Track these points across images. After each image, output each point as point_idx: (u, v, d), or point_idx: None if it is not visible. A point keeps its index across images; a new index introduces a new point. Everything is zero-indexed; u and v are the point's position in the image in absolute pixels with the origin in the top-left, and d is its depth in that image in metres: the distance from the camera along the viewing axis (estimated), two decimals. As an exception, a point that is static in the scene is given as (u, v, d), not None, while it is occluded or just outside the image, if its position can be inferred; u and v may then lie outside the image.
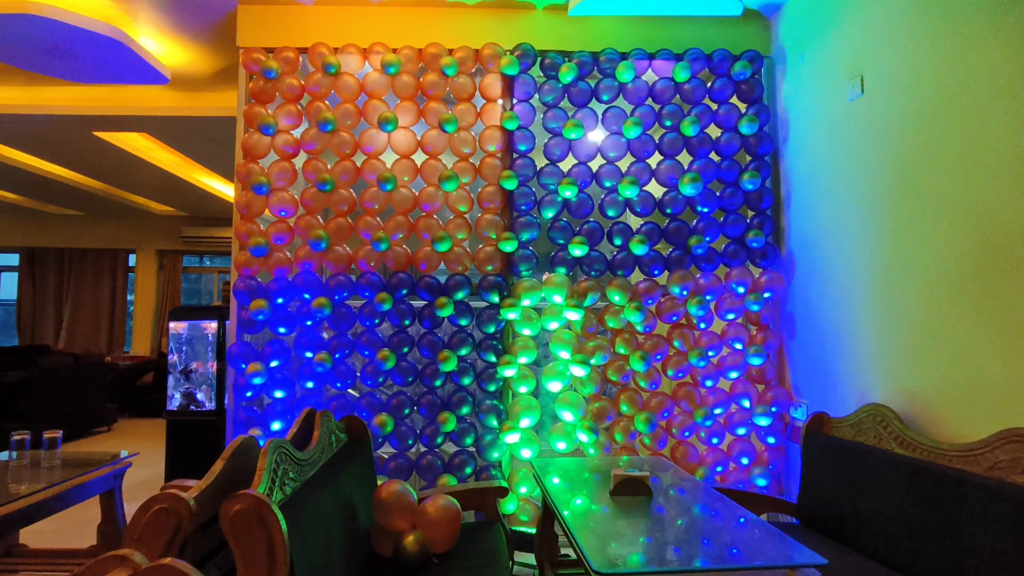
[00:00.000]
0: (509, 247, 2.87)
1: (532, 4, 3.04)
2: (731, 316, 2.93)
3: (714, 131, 3.05)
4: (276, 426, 2.77)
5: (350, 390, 2.91)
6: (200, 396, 3.80)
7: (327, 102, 2.96)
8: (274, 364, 2.81)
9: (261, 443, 2.60)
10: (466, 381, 2.87)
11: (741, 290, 2.92)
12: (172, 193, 6.70)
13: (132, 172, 5.75)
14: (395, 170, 2.92)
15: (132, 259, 8.52)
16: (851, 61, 2.50)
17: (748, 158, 3.07)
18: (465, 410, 2.86)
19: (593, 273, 2.94)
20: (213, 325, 3.81)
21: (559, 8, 3.04)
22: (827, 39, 2.67)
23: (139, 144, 5.02)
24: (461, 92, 2.96)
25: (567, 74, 2.94)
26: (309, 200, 2.88)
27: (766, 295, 2.91)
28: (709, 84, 3.04)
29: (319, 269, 2.95)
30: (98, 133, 4.62)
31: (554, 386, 2.84)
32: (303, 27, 3.01)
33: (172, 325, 3.84)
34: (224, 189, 6.55)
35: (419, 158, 3.00)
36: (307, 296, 2.82)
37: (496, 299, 2.89)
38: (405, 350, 2.87)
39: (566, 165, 3.04)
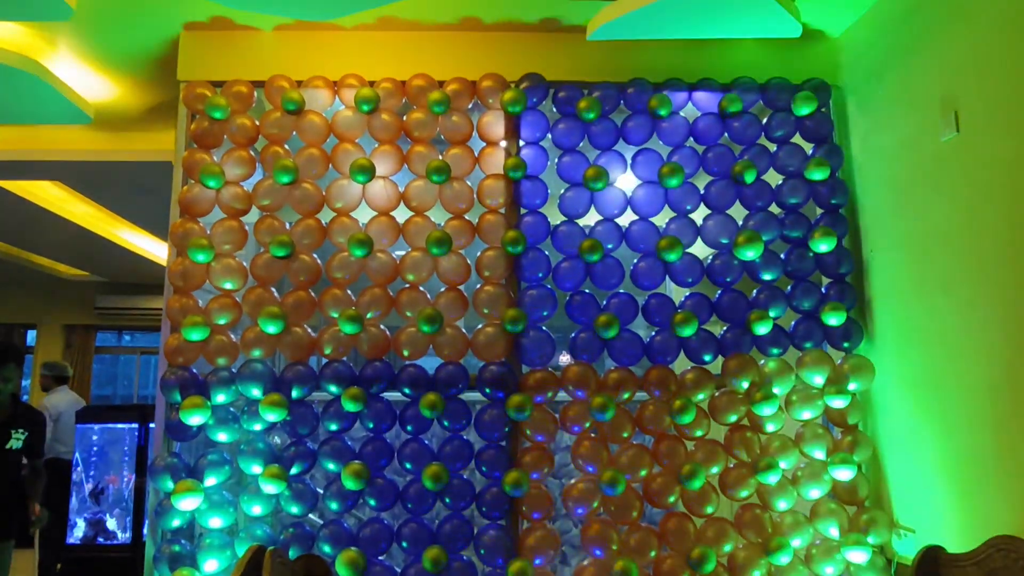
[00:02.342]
0: (516, 328, 2.92)
1: (542, 25, 3.21)
2: (807, 415, 2.94)
3: (774, 177, 3.16)
4: (212, 566, 2.76)
5: (311, 515, 2.88)
6: (112, 524, 3.80)
7: (287, 147, 3.08)
8: (211, 482, 2.81)
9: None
10: (463, 505, 2.86)
11: (819, 381, 2.94)
12: (86, 253, 6.87)
13: (37, 228, 5.93)
14: (371, 231, 3.00)
15: (31, 336, 8.66)
16: (942, 91, 2.61)
17: (819, 211, 3.14)
18: (462, 544, 2.83)
19: (625, 360, 2.96)
20: (133, 429, 3.85)
21: (575, 30, 3.19)
22: (911, 62, 2.80)
23: (48, 195, 5.21)
24: (454, 133, 3.09)
25: (587, 110, 3.06)
26: (262, 269, 2.95)
27: (852, 387, 2.92)
28: (765, 120, 3.17)
29: (272, 357, 2.99)
30: (-1, 182, 4.83)
31: (579, 512, 2.82)
32: (259, 57, 3.18)
33: (79, 429, 3.89)
34: (153, 249, 6.71)
35: (402, 215, 3.07)
36: (256, 392, 2.86)
37: (501, 395, 2.90)
38: (382, 462, 2.87)
39: (588, 223, 3.13)
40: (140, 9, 3.03)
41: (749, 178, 3.05)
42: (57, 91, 3.32)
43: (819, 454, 2.92)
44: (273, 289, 3.00)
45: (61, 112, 3.52)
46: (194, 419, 2.80)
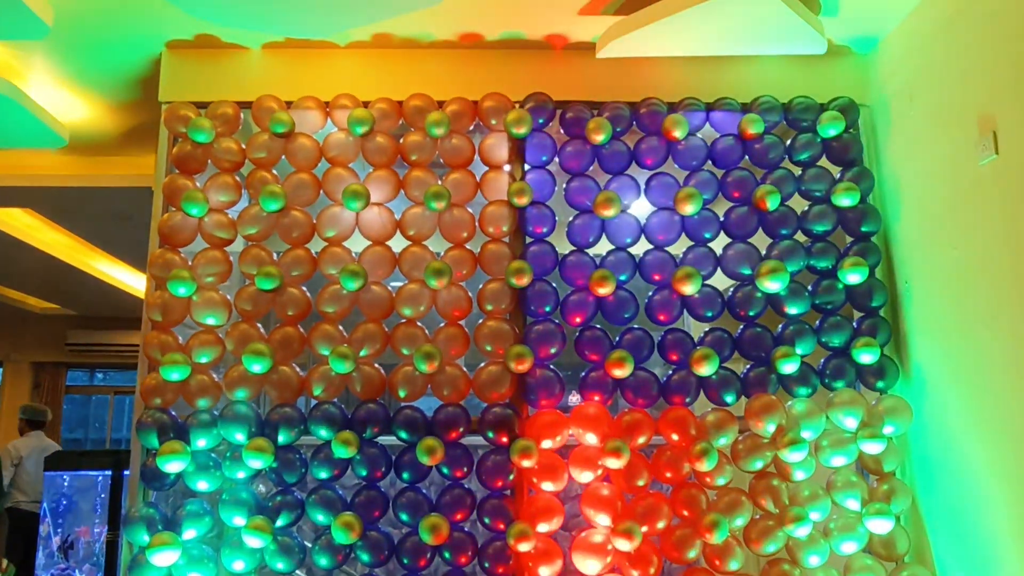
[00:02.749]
0: (522, 365, 2.88)
1: (548, 41, 3.22)
2: (839, 461, 2.88)
3: (799, 203, 3.14)
4: (188, 630, 2.68)
5: (298, 571, 2.82)
6: (80, 582, 3.71)
7: (275, 172, 3.07)
8: (190, 534, 2.76)
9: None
10: (463, 560, 2.79)
11: (851, 423, 2.89)
12: (58, 285, 6.86)
13: (5, 258, 5.92)
14: (365, 261, 2.98)
15: (-3, 374, 8.60)
16: (979, 110, 2.60)
17: (848, 239, 3.13)
18: (461, 603, 2.76)
19: (640, 402, 2.92)
20: (105, 476, 3.77)
21: (584, 47, 3.20)
22: (946, 80, 2.80)
23: (19, 223, 5.20)
24: (455, 157, 3.07)
25: (596, 131, 3.05)
26: (247, 302, 2.93)
27: (887, 430, 2.88)
28: (788, 142, 3.16)
29: (257, 398, 2.95)
30: (-35, 210, 4.81)
31: (591, 568, 2.76)
32: (246, 76, 3.19)
33: (47, 477, 3.81)
34: (130, 280, 6.70)
35: (398, 244, 3.06)
36: (239, 436, 2.82)
37: (505, 439, 2.87)
38: (376, 514, 2.82)
39: (598, 252, 3.11)
40: (120, 26, 3.04)
41: (772, 204, 3.03)
42: (29, 112, 3.33)
43: (853, 504, 2.86)
44: (259, 324, 2.97)
45: (34, 135, 3.53)
46: (172, 466, 2.75)
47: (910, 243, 3.04)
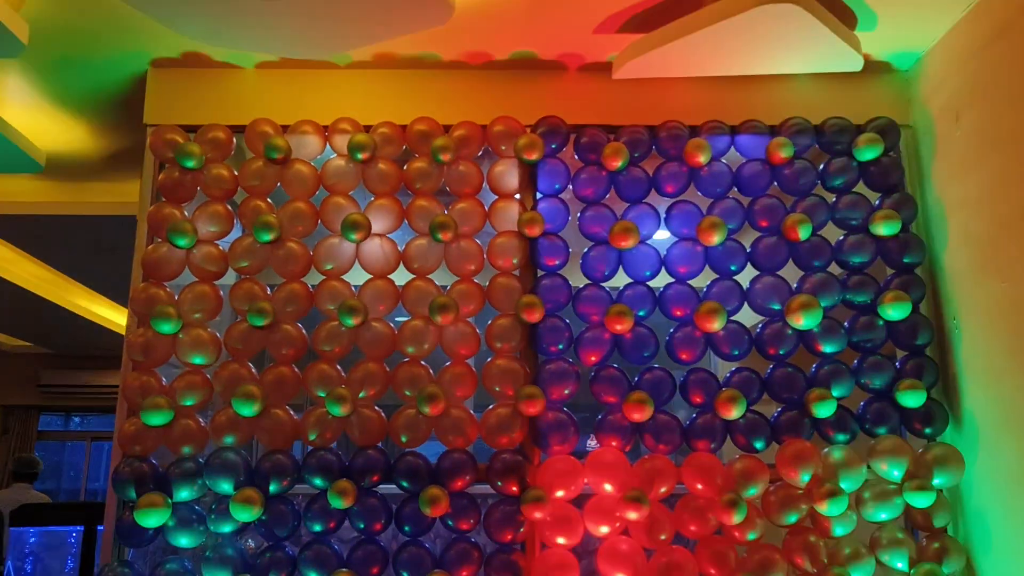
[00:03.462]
0: (533, 407, 2.89)
1: (561, 62, 3.28)
2: (883, 516, 2.87)
3: (833, 232, 3.17)
4: None
5: (287, 637, 2.81)
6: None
7: (269, 200, 3.12)
8: (170, 596, 2.76)
9: None
10: (469, 623, 2.79)
11: (896, 474, 2.88)
12: (31, 321, 6.90)
13: (-27, 292, 5.96)
14: (365, 296, 3.01)
15: (-38, 420, 8.64)
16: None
17: (888, 271, 3.14)
18: (467, 671, 2.76)
19: (661, 447, 2.92)
20: (78, 532, 3.76)
21: (599, 68, 3.26)
22: (995, 98, 2.81)
23: (-9, 255, 5.27)
24: (462, 185, 3.13)
25: (614, 157, 3.10)
26: (237, 340, 2.96)
27: (936, 482, 2.84)
28: (821, 166, 3.20)
29: (247, 444, 2.96)
30: (-68, 242, 4.89)
31: (607, 631, 2.75)
32: (239, 98, 3.25)
33: (13, 533, 3.81)
34: (110, 316, 6.74)
35: (401, 278, 3.08)
36: (226, 487, 2.82)
37: (515, 488, 2.87)
38: (374, 571, 2.81)
39: (615, 285, 3.13)
40: (101, 43, 3.09)
41: (804, 233, 3.06)
42: (2, 135, 3.39)
43: (900, 564, 2.83)
44: (250, 364, 2.99)
45: (7, 159, 3.60)
46: (151, 520, 2.75)
47: (957, 276, 3.04)
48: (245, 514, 2.76)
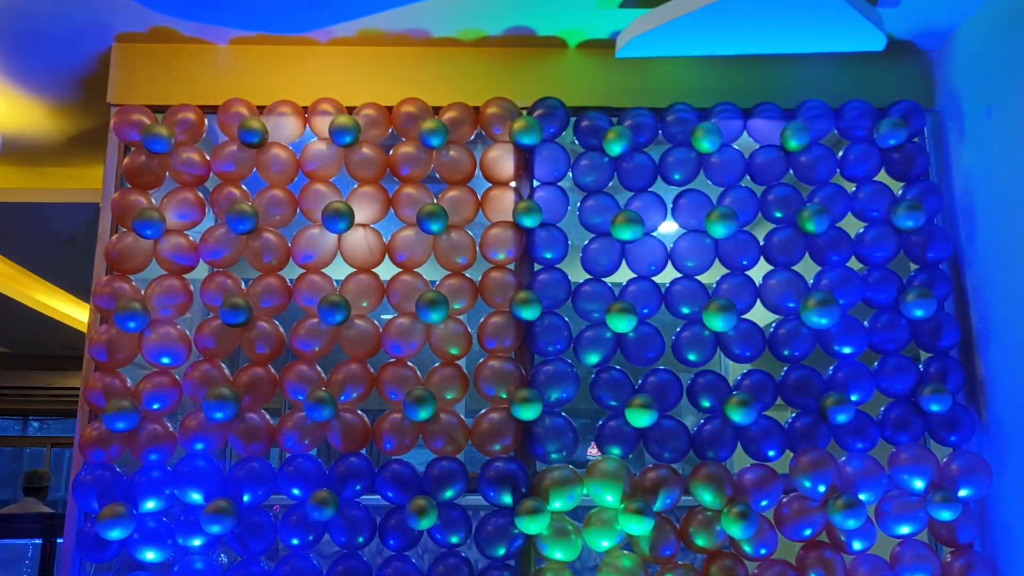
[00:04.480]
0: (529, 413, 2.82)
1: (560, 39, 3.19)
2: (905, 529, 2.82)
3: (853, 225, 3.10)
4: None
5: (262, 658, 2.75)
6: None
7: (244, 187, 3.05)
8: (135, 615, 2.70)
9: None
10: (458, 645, 2.73)
11: (919, 484, 2.82)
12: (-16, 318, 6.85)
13: (-80, 287, 5.91)
14: (347, 291, 2.95)
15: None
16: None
17: (912, 266, 3.09)
18: None
19: (667, 456, 2.86)
20: (35, 545, 3.68)
21: (601, 46, 3.18)
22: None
23: (-62, 245, 5.21)
24: (453, 171, 3.04)
25: (616, 142, 3.01)
26: (209, 339, 2.90)
27: (962, 493, 2.79)
28: (840, 153, 3.12)
29: (220, 451, 2.90)
30: None
31: (608, 655, 2.67)
32: (212, 77, 3.16)
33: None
34: (71, 312, 6.70)
35: (386, 272, 3.03)
36: (197, 497, 2.77)
37: (509, 499, 2.81)
38: (356, 589, 2.76)
39: (618, 281, 3.08)
40: (61, 16, 3.00)
41: (821, 226, 2.98)
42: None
43: (922, 582, 2.79)
44: (223, 364, 2.94)
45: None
46: (115, 532, 2.68)
47: (986, 272, 2.98)
48: (217, 526, 2.70)
